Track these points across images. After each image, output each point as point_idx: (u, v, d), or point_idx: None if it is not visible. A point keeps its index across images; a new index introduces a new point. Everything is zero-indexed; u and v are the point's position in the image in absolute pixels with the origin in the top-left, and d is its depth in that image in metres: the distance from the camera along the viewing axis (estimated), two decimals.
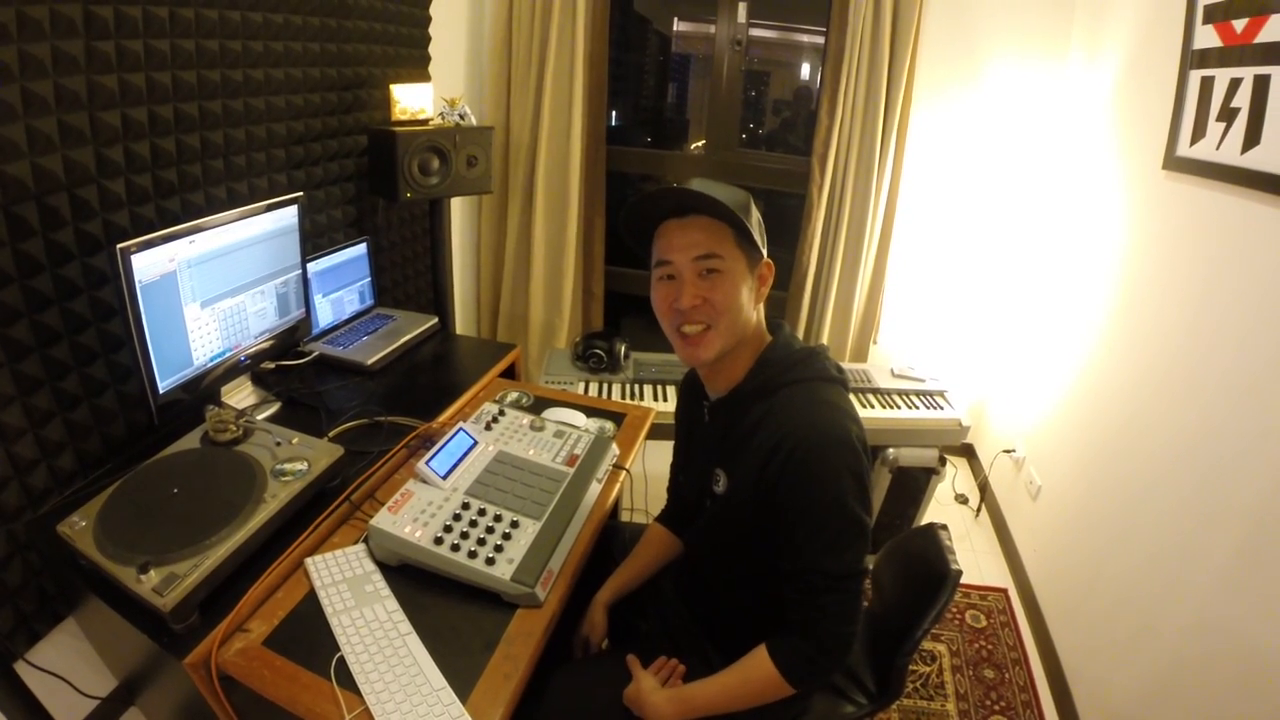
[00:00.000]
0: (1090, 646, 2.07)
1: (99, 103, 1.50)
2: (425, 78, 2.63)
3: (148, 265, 1.42)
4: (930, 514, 2.57)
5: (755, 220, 1.19)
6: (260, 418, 1.71)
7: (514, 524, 1.37)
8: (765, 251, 1.23)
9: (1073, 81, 2.65)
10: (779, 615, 1.18)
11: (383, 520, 1.34)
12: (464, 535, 1.32)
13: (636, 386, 2.52)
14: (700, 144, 3.39)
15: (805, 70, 3.36)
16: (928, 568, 1.39)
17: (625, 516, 2.05)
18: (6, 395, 1.42)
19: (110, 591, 1.20)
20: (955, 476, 3.17)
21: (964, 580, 1.35)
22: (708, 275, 1.16)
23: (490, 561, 1.28)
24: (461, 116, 2.37)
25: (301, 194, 1.80)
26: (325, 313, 2.15)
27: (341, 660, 1.14)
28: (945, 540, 1.43)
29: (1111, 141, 2.34)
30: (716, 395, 1.30)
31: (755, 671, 1.17)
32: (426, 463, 1.46)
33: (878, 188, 2.79)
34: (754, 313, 1.23)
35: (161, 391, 1.51)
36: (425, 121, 2.32)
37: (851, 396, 1.25)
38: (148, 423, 1.57)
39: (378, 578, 1.31)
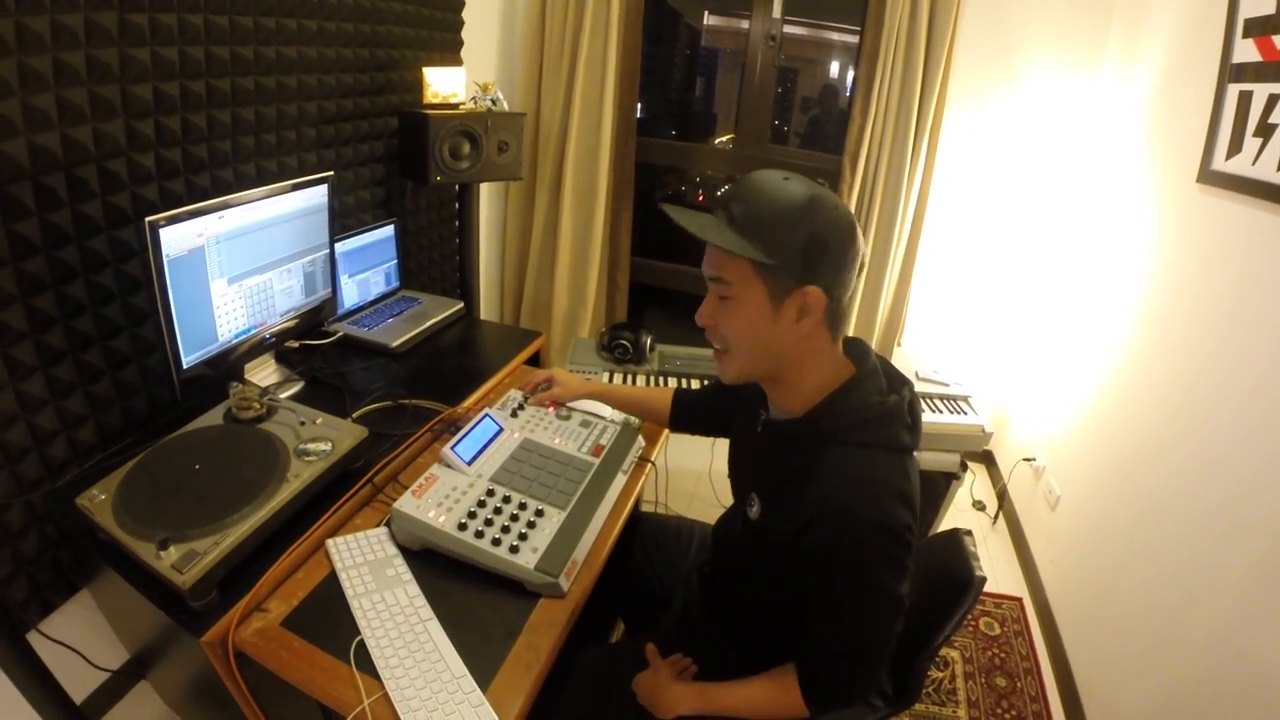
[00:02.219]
0: (1103, 659, 2.04)
1: (131, 75, 1.49)
2: (457, 62, 2.61)
3: (176, 239, 1.41)
4: (948, 520, 2.54)
5: (803, 237, 0.99)
6: (283, 396, 1.69)
7: (539, 513, 1.35)
8: (821, 276, 1.01)
9: (1108, 90, 2.61)
10: (796, 626, 1.16)
11: (406, 504, 1.33)
12: (488, 522, 1.31)
13: (661, 379, 2.50)
14: (728, 138, 3.37)
15: (834, 68, 3.33)
16: (951, 573, 1.36)
17: (649, 509, 2.04)
18: (29, 366, 1.42)
19: (128, 566, 1.19)
20: (973, 483, 3.14)
21: None
22: (721, 300, 1.07)
23: (514, 550, 1.26)
24: (494, 102, 2.35)
25: (331, 173, 1.78)
26: (351, 293, 2.14)
27: (361, 644, 1.13)
28: (970, 546, 1.40)
29: (1145, 152, 2.30)
30: (774, 415, 1.19)
31: (783, 696, 1.14)
32: (452, 448, 1.45)
33: (908, 189, 2.75)
34: (798, 344, 1.06)
35: (185, 367, 1.50)
36: (457, 106, 2.30)
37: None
38: (170, 398, 1.56)
39: (399, 561, 1.29)
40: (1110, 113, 2.57)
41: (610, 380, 2.43)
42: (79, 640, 1.58)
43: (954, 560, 1.39)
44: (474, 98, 2.35)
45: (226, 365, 1.62)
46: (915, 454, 1.11)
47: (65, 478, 1.49)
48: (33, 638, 1.49)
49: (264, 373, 1.79)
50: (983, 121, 2.78)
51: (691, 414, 1.63)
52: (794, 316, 1.02)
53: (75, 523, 1.27)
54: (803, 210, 0.99)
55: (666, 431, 1.83)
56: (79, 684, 1.64)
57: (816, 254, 0.99)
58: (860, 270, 1.06)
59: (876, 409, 1.07)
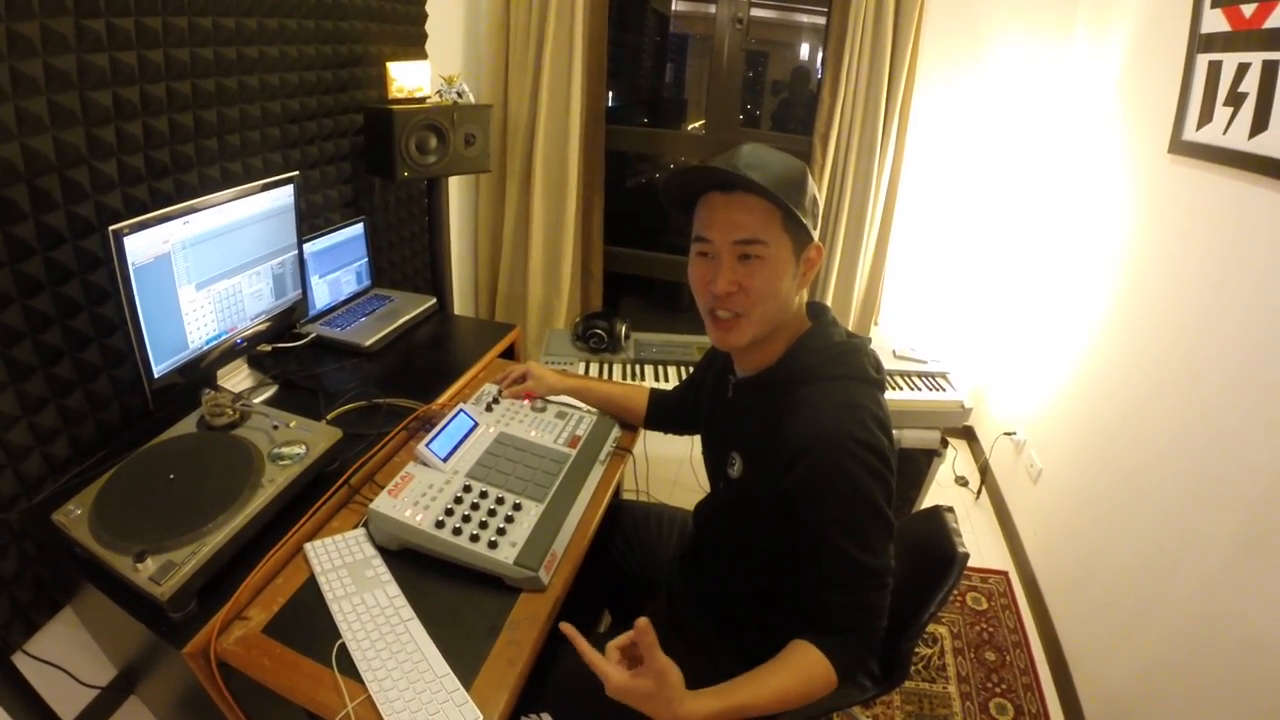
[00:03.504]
0: (1090, 629, 2.07)
1: (90, 82, 1.46)
2: (422, 55, 2.58)
3: (141, 247, 1.39)
4: (930, 496, 2.55)
5: (809, 198, 1.10)
6: (257, 401, 1.68)
7: (516, 507, 1.35)
8: (817, 233, 1.13)
9: (1078, 62, 2.61)
10: (781, 602, 1.16)
11: (383, 504, 1.32)
12: (465, 519, 1.30)
13: (637, 367, 2.50)
14: (699, 124, 3.35)
15: (804, 50, 3.32)
16: (934, 550, 1.38)
17: (630, 497, 2.04)
18: None
19: (107, 581, 1.18)
20: (955, 459, 3.17)
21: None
22: (747, 260, 1.08)
23: (493, 545, 1.25)
24: (459, 94, 2.33)
25: (297, 173, 1.76)
26: (322, 294, 2.12)
27: (343, 647, 1.12)
28: (951, 522, 1.42)
29: (1117, 124, 2.31)
30: (743, 373, 1.24)
31: (812, 671, 1.05)
32: (427, 445, 1.44)
33: (880, 167, 2.76)
34: (795, 298, 1.15)
35: (156, 375, 1.48)
36: (422, 100, 2.28)
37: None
38: (143, 408, 1.54)
39: (378, 562, 1.29)
40: (1081, 85, 2.58)
41: (587, 370, 2.44)
42: (66, 658, 1.57)
43: (936, 537, 1.40)
44: (439, 91, 2.33)
45: (198, 372, 1.60)
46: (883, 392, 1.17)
47: (42, 494, 1.47)
48: (19, 658, 1.48)
49: (237, 378, 1.78)
50: (953, 97, 2.78)
51: (666, 413, 1.67)
52: (802, 270, 1.14)
53: (52, 539, 1.25)
54: (804, 172, 1.10)
55: None
56: (68, 703, 1.63)
57: (816, 212, 1.13)
58: None
59: (843, 345, 1.16)
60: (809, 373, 1.13)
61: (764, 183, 1.03)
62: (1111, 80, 2.36)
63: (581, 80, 2.81)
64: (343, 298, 2.22)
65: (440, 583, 1.27)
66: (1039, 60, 2.68)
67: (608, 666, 0.97)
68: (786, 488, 1.07)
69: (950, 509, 1.46)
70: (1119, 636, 1.90)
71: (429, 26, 2.62)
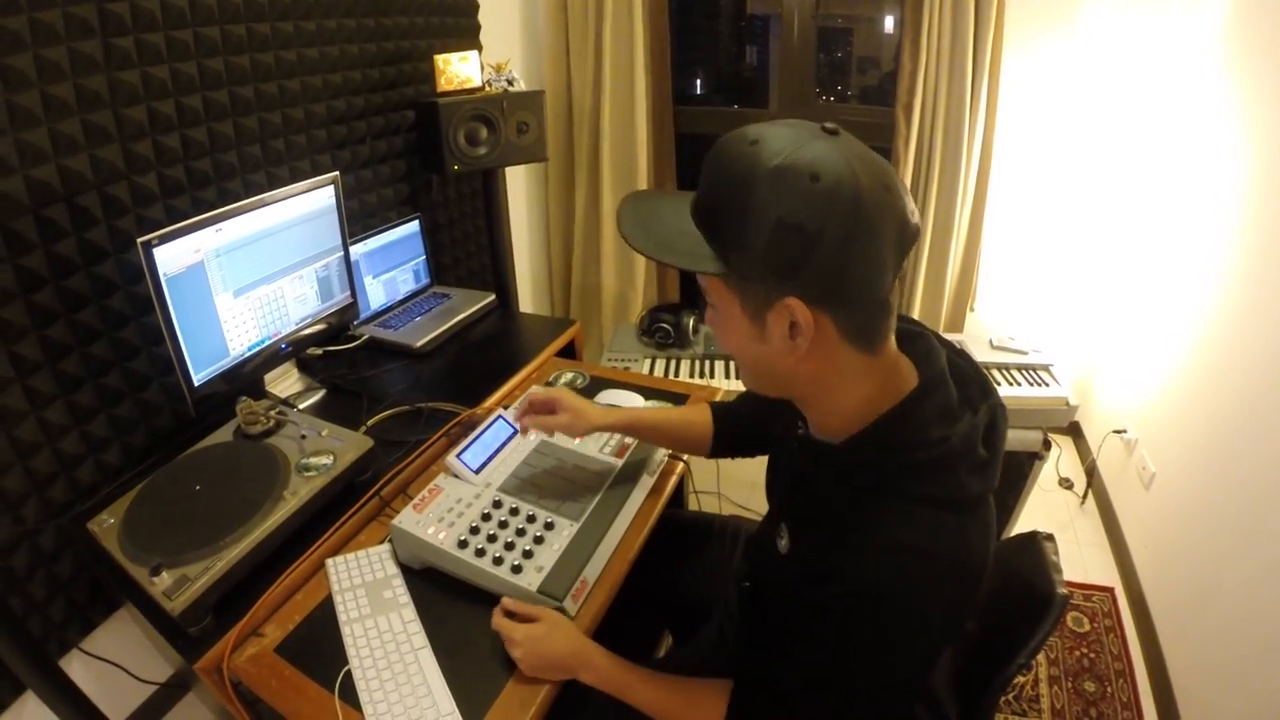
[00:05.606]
0: (1205, 661, 1.82)
1: (122, 99, 1.48)
2: (476, 45, 2.53)
3: (171, 257, 1.38)
4: (1032, 501, 2.32)
5: (767, 226, 0.72)
6: (302, 406, 1.67)
7: (549, 525, 1.25)
8: (799, 281, 0.74)
9: (1181, 12, 2.31)
10: None
11: (406, 520, 1.26)
12: (491, 538, 1.22)
13: (706, 363, 2.38)
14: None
15: (889, 23, 3.09)
16: (1028, 587, 1.17)
17: (693, 503, 1.92)
18: (48, 394, 1.43)
19: (133, 590, 1.18)
20: (1059, 458, 2.88)
21: (1066, 577, 1.13)
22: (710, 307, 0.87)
23: (517, 569, 1.16)
24: (510, 81, 2.25)
25: (336, 173, 1.72)
26: (377, 294, 2.10)
27: (348, 674, 1.07)
28: (1051, 555, 1.20)
29: (1229, 78, 2.03)
30: (813, 433, 0.94)
31: (697, 711, 1.02)
32: (458, 455, 1.37)
33: (970, 138, 2.51)
34: (807, 365, 0.81)
35: (197, 384, 1.48)
36: (474, 90, 2.21)
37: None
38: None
39: (398, 582, 1.23)
40: (1187, 35, 2.28)
41: (652, 368, 2.33)
42: (124, 654, 1.62)
43: (1031, 571, 1.19)
44: (489, 80, 2.26)
45: (242, 378, 1.59)
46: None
47: (93, 500, 1.49)
48: (78, 655, 1.54)
49: (286, 383, 1.77)
50: (1047, 59, 2.50)
51: (735, 433, 1.38)
52: (784, 333, 0.78)
53: (91, 547, 1.26)
54: (767, 186, 0.72)
55: None
56: (126, 698, 1.68)
57: (793, 249, 0.72)
58: (900, 259, 0.77)
59: (937, 448, 0.79)
60: (882, 482, 0.81)
61: (698, 211, 0.82)
62: (1219, 30, 2.07)
63: (644, 60, 2.68)
64: (400, 297, 2.20)
65: (462, 607, 1.19)
66: (1138, 11, 2.38)
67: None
68: (805, 599, 0.86)
69: (1050, 536, 1.24)
70: (1239, 671, 1.66)
71: (482, 15, 2.56)
